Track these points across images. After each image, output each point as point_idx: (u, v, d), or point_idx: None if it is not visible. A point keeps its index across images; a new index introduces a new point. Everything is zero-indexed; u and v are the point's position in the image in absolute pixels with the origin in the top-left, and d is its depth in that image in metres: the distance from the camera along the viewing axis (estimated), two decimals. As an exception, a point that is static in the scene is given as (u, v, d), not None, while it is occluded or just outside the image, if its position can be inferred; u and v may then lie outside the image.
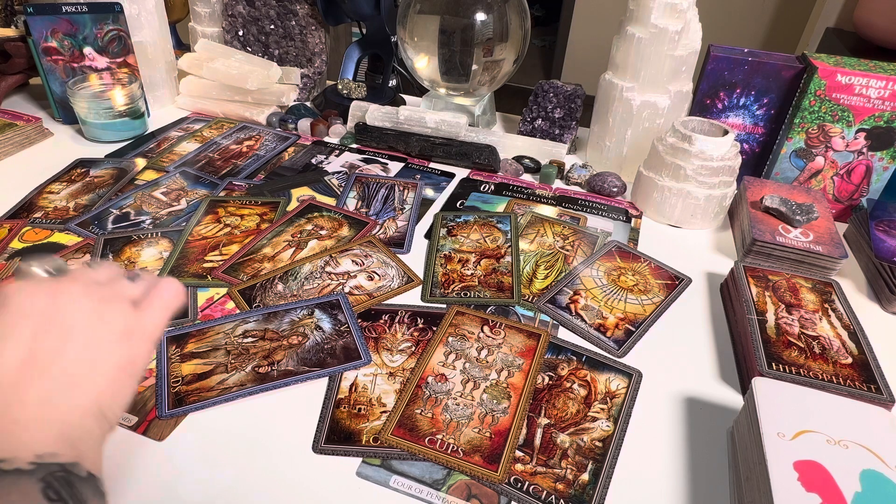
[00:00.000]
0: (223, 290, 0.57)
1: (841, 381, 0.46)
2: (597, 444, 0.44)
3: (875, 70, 0.68)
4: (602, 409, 0.47)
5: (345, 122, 0.91)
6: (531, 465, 0.42)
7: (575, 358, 0.52)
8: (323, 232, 0.66)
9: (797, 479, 0.35)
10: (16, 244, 0.62)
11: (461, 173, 0.82)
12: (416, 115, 0.85)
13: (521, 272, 0.62)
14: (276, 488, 0.40)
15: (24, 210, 0.68)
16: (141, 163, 0.79)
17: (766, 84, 0.74)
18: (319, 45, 0.99)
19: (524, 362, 0.50)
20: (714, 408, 0.49)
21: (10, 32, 0.89)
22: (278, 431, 0.44)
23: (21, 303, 0.28)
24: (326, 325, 0.53)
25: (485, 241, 0.67)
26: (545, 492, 0.40)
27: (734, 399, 0.50)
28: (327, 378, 0.48)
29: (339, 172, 0.80)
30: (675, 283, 0.62)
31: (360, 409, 0.46)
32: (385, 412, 0.45)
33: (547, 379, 0.49)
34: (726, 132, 0.70)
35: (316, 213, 0.70)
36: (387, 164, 0.83)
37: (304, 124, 0.89)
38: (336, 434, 0.44)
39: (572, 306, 0.58)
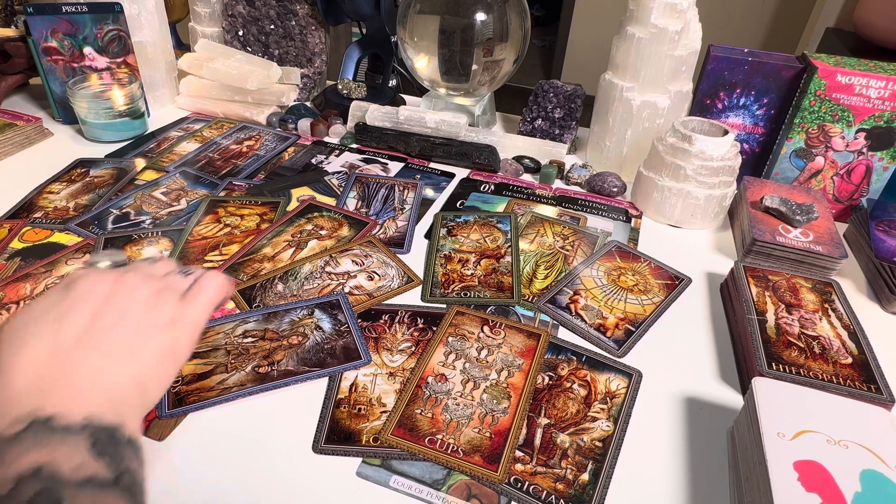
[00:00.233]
0: (223, 290, 0.57)
1: (841, 381, 0.46)
2: (597, 444, 0.44)
3: (875, 70, 0.68)
4: (602, 409, 0.47)
5: (345, 122, 0.91)
6: (531, 465, 0.42)
7: (575, 358, 0.52)
8: (323, 232, 0.66)
9: (797, 479, 0.35)
10: (16, 244, 0.62)
11: (461, 173, 0.82)
12: (416, 115, 0.85)
13: (521, 272, 0.62)
14: (276, 488, 0.40)
15: (24, 210, 0.68)
16: (141, 163, 0.79)
17: (766, 84, 0.74)
18: (319, 45, 0.99)
19: (524, 362, 0.50)
20: (714, 408, 0.49)
21: (10, 32, 0.89)
22: (278, 431, 0.44)
23: (85, 287, 0.33)
24: (326, 325, 0.53)
25: (485, 241, 0.67)
26: (545, 492, 0.40)
27: (734, 399, 0.50)
28: (327, 378, 0.48)
29: (339, 172, 0.80)
30: (675, 283, 0.62)
31: (360, 409, 0.46)
32: (385, 412, 0.45)
33: (547, 379, 0.49)
34: (726, 132, 0.70)
35: (316, 213, 0.70)
36: (387, 164, 0.83)
37: (304, 124, 0.89)
38: (336, 434, 0.44)
39: (572, 306, 0.58)
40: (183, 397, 0.45)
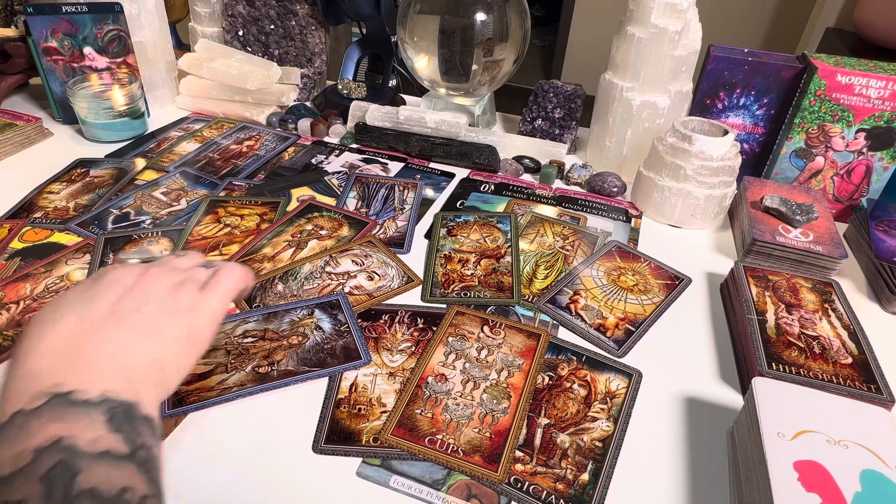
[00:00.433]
0: (223, 290, 0.57)
1: (841, 381, 0.46)
2: (597, 444, 0.44)
3: (875, 70, 0.68)
4: (602, 409, 0.47)
5: (345, 122, 0.91)
6: (531, 465, 0.42)
7: (575, 358, 0.52)
8: (323, 232, 0.66)
9: (797, 479, 0.35)
10: (16, 244, 0.62)
11: (461, 173, 0.82)
12: (416, 115, 0.85)
13: (521, 272, 0.62)
14: (276, 488, 0.40)
15: (24, 210, 0.68)
16: (141, 163, 0.79)
17: (766, 84, 0.74)
18: (319, 45, 0.99)
19: (524, 362, 0.50)
20: (714, 408, 0.49)
21: (10, 32, 0.89)
22: (278, 431, 0.44)
23: (113, 276, 0.35)
24: (326, 325, 0.53)
25: (485, 241, 0.67)
26: (545, 492, 0.40)
27: (734, 399, 0.50)
28: (327, 378, 0.48)
29: (339, 172, 0.80)
30: (675, 283, 0.62)
31: (360, 409, 0.46)
32: (385, 412, 0.45)
33: (547, 379, 0.49)
34: (726, 132, 0.70)
35: (316, 213, 0.70)
36: (387, 164, 0.83)
37: (304, 124, 0.89)
38: (336, 434, 0.44)
39: (572, 306, 0.58)
40: (183, 397, 0.45)
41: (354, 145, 0.87)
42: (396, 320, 0.54)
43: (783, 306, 0.54)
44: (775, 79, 0.73)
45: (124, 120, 0.84)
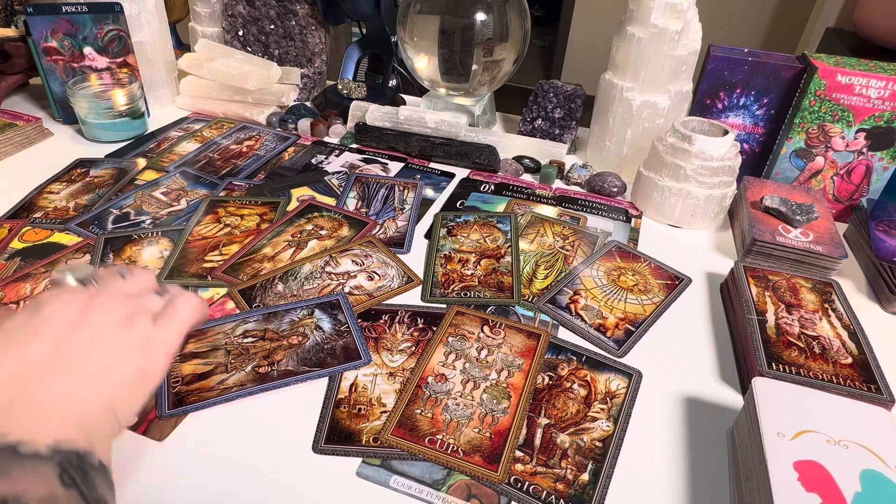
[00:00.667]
0: (223, 290, 0.57)
1: (841, 381, 0.46)
2: (597, 444, 0.44)
3: (875, 70, 0.68)
4: (602, 409, 0.47)
5: (345, 122, 0.91)
6: (531, 465, 0.42)
7: (575, 358, 0.52)
8: (323, 232, 0.66)
9: (797, 479, 0.35)
10: (16, 244, 0.62)
11: (461, 173, 0.82)
12: (416, 115, 0.85)
13: (521, 272, 0.62)
14: (276, 488, 0.40)
15: (24, 210, 0.68)
16: (141, 163, 0.79)
17: (766, 84, 0.74)
18: (319, 45, 0.99)
19: (524, 362, 0.50)
20: (714, 408, 0.49)
21: (10, 32, 0.89)
22: (278, 431, 0.44)
23: (52, 309, 0.31)
24: (326, 325, 0.53)
25: (485, 241, 0.67)
26: (545, 492, 0.40)
27: (734, 399, 0.50)
28: (327, 378, 0.48)
29: (339, 172, 0.80)
30: (675, 283, 0.62)
31: (360, 409, 0.46)
32: (385, 412, 0.45)
33: (547, 379, 0.49)
34: (726, 132, 0.70)
35: (316, 213, 0.70)
36: (387, 164, 0.83)
37: (304, 124, 0.89)
38: (336, 434, 0.44)
39: (572, 306, 0.58)
40: (183, 397, 0.45)
41: (354, 145, 0.87)
42: (396, 320, 0.54)
43: (783, 306, 0.54)
44: (775, 79, 0.73)
45: (124, 120, 0.84)
